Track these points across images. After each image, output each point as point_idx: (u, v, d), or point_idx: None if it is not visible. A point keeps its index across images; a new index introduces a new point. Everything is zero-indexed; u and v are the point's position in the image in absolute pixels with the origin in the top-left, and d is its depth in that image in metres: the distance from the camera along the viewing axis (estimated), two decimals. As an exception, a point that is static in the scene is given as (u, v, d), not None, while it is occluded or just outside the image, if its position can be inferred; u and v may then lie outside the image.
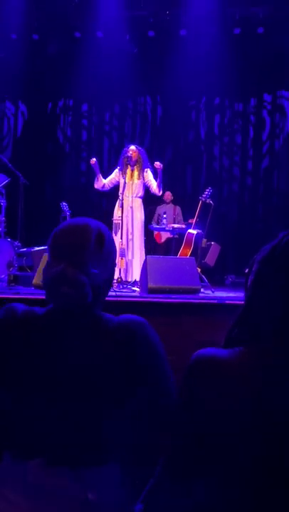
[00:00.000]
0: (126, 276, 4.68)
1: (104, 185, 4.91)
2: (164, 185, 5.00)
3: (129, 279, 4.65)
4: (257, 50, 7.18)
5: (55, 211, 6.04)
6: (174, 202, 7.00)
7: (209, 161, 7.97)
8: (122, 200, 4.62)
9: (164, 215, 5.91)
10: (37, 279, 3.64)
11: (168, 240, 6.50)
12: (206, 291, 4.16)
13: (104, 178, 4.93)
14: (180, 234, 5.64)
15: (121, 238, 4.62)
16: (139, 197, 4.86)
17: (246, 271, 1.03)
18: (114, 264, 1.26)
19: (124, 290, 4.12)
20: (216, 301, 2.92)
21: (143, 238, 4.94)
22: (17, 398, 1.10)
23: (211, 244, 5.32)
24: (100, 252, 1.15)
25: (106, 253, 1.17)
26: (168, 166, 7.99)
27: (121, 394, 1.10)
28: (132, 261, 4.76)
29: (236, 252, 7.47)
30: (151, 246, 6.52)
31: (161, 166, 4.69)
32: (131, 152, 4.80)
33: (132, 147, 4.87)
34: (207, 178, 7.85)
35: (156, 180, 4.80)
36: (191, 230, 5.13)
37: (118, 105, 8.04)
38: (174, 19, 6.99)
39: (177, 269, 3.68)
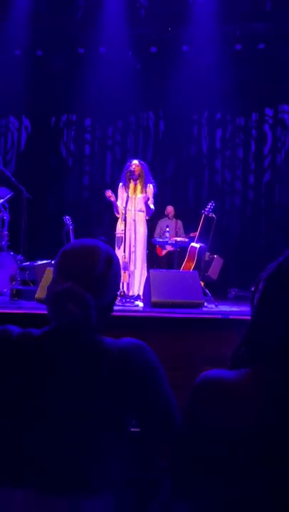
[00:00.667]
0: (128, 290, 4.67)
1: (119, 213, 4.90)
2: (166, 198, 5.02)
3: (131, 293, 4.64)
4: (258, 65, 7.26)
5: (58, 225, 6.05)
6: (176, 216, 7.03)
7: (211, 175, 8.01)
8: (125, 213, 4.63)
9: (167, 229, 5.93)
10: (40, 293, 3.62)
11: (169, 253, 6.50)
12: (210, 305, 4.14)
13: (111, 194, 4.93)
14: (182, 247, 5.65)
15: (124, 252, 4.62)
16: (142, 211, 4.87)
17: (252, 288, 1.02)
18: (118, 288, 1.26)
19: (127, 304, 4.11)
20: (219, 316, 2.90)
21: (145, 251, 4.94)
22: (9, 423, 1.07)
23: (213, 258, 5.32)
24: (107, 274, 1.14)
25: (113, 276, 1.16)
26: (170, 180, 8.05)
27: (119, 420, 1.08)
28: (134, 272, 4.75)
29: (239, 265, 7.46)
30: (152, 259, 6.52)
31: (149, 198, 4.77)
32: (134, 167, 4.83)
33: (135, 162, 4.90)
34: (209, 191, 7.88)
35: (152, 202, 4.81)
36: (194, 244, 5.13)
37: (121, 120, 8.11)
38: (176, 35, 7.10)
39: (180, 283, 3.66)
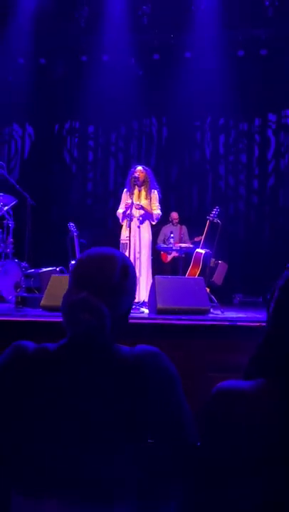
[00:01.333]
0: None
1: (122, 217, 4.89)
2: (170, 204, 5.02)
3: (136, 299, 4.62)
4: (260, 71, 7.28)
5: (62, 232, 6.06)
6: (180, 221, 7.02)
7: (215, 181, 8.01)
8: (130, 220, 4.63)
9: (171, 235, 5.91)
10: (45, 300, 3.61)
11: (174, 259, 6.49)
12: (216, 312, 4.12)
13: (114, 200, 4.94)
14: (187, 253, 5.63)
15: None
16: (146, 217, 4.86)
17: (268, 296, 1.00)
18: (134, 297, 1.25)
19: (132, 311, 4.09)
20: (227, 323, 2.87)
21: (150, 258, 4.92)
22: (31, 437, 1.06)
23: (218, 263, 5.30)
24: (123, 284, 1.14)
25: (129, 285, 1.16)
26: (174, 186, 8.06)
27: (138, 429, 1.07)
28: (138, 279, 4.74)
29: (243, 270, 7.43)
30: (157, 265, 6.51)
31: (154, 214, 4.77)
32: (138, 173, 4.82)
33: (139, 168, 4.90)
34: (213, 197, 7.88)
35: (158, 207, 4.81)
36: (199, 250, 5.11)
37: (124, 126, 8.14)
38: (179, 42, 7.13)
39: (186, 290, 3.64)
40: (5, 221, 5.28)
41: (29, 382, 1.07)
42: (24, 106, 7.48)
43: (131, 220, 4.63)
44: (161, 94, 7.54)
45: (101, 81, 7.29)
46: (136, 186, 4.81)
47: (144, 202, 4.83)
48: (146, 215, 4.81)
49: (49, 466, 1.04)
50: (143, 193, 4.83)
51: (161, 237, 6.74)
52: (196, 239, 6.10)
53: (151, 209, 4.81)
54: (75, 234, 5.52)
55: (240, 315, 3.97)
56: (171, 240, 5.68)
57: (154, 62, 7.39)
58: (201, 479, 0.95)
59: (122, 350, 1.11)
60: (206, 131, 8.04)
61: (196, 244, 5.50)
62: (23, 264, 5.20)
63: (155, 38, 7.12)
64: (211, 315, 3.69)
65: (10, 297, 4.65)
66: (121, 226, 4.91)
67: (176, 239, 6.45)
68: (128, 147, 8.18)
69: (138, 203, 4.73)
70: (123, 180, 5.03)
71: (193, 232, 6.70)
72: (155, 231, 6.14)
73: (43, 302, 3.61)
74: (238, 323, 2.81)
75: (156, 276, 3.86)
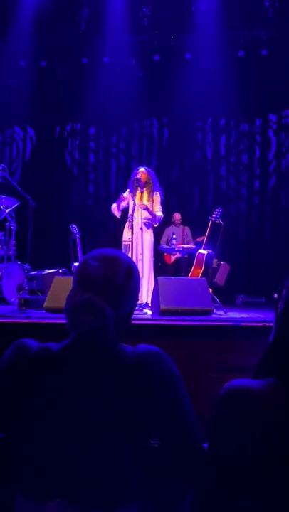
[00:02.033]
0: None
1: (119, 212, 4.91)
2: (172, 205, 5.03)
3: (139, 301, 4.62)
4: (261, 71, 7.29)
5: (64, 233, 6.06)
6: (183, 222, 7.02)
7: (216, 181, 8.01)
8: (132, 221, 4.63)
9: (174, 236, 5.91)
10: (48, 302, 3.61)
11: (177, 260, 6.49)
12: (218, 312, 4.12)
13: (114, 201, 4.95)
14: (189, 254, 5.63)
15: (131, 259, 4.60)
16: (148, 219, 4.87)
17: (275, 296, 1.00)
18: (137, 299, 1.25)
19: (135, 312, 4.09)
20: (231, 323, 2.87)
21: (152, 259, 4.93)
22: (33, 437, 1.06)
23: (220, 264, 5.30)
24: (127, 285, 1.14)
25: (132, 287, 1.16)
26: (175, 187, 8.06)
27: (140, 429, 1.07)
28: (141, 280, 4.74)
29: (245, 271, 7.43)
30: (160, 267, 6.51)
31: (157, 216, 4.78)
32: (140, 174, 4.83)
33: (142, 169, 4.90)
34: (214, 197, 7.88)
35: (160, 209, 4.82)
36: (201, 251, 5.11)
37: (125, 128, 8.15)
38: (179, 43, 7.14)
39: (189, 291, 3.64)
40: (7, 223, 5.28)
41: (31, 382, 1.07)
42: (25, 108, 7.49)
43: (133, 221, 4.63)
44: (162, 96, 7.56)
45: (102, 83, 7.31)
46: (138, 188, 4.81)
47: (146, 204, 4.82)
48: (151, 217, 4.82)
49: (51, 467, 1.04)
50: (145, 194, 4.83)
51: (164, 238, 6.74)
52: (198, 239, 6.10)
53: (154, 211, 4.82)
54: (77, 236, 5.53)
55: (243, 315, 3.96)
56: (174, 241, 5.68)
57: (154, 64, 7.40)
58: (210, 480, 0.95)
59: (125, 350, 1.11)
60: (207, 132, 8.05)
61: (199, 245, 5.50)
62: (26, 266, 5.20)
63: (155, 40, 7.13)
64: (214, 315, 3.69)
65: (13, 299, 4.65)
66: (123, 227, 4.91)
67: (179, 240, 6.45)
68: (129, 148, 8.19)
69: (142, 203, 4.74)
70: (124, 182, 5.04)
71: (195, 233, 6.70)
72: (158, 232, 6.15)
73: (46, 304, 3.62)
74: (242, 324, 2.81)
75: (159, 278, 3.86)
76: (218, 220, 5.08)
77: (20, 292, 4.64)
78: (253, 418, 0.88)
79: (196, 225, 6.98)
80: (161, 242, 6.60)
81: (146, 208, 4.73)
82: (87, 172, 8.26)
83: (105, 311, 1.06)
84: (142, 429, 1.07)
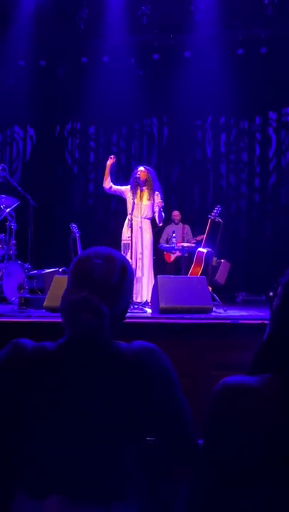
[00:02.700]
0: (136, 296, 4.66)
1: (111, 187, 4.97)
2: (172, 203, 5.05)
3: (139, 299, 4.64)
4: (260, 69, 7.29)
5: (64, 233, 6.07)
6: (182, 221, 7.02)
7: (216, 179, 8.01)
8: (131, 220, 4.64)
9: (173, 234, 5.92)
10: (48, 301, 3.62)
11: (177, 258, 6.49)
12: (218, 310, 4.13)
13: (116, 201, 4.98)
14: (190, 252, 5.63)
15: (131, 258, 4.62)
16: (148, 218, 4.88)
17: (271, 294, 1.01)
18: (131, 297, 1.26)
19: (135, 311, 4.10)
20: (229, 321, 2.88)
21: (152, 258, 4.93)
22: (30, 436, 1.07)
23: (221, 262, 5.30)
24: (121, 283, 1.15)
25: (127, 285, 1.17)
26: (175, 185, 8.06)
27: (136, 426, 1.07)
28: (141, 279, 4.75)
29: (246, 269, 7.43)
30: (160, 265, 6.51)
31: (162, 204, 4.80)
32: (139, 173, 4.84)
33: (141, 168, 4.91)
34: (214, 196, 7.88)
35: (160, 211, 4.86)
36: (201, 249, 5.12)
37: (125, 127, 8.15)
38: (178, 42, 7.14)
39: (188, 289, 3.65)
40: (7, 223, 5.30)
41: (28, 381, 1.07)
42: (25, 108, 7.50)
43: (132, 219, 4.64)
44: (161, 94, 7.56)
45: (101, 82, 7.31)
46: (138, 186, 4.82)
47: (146, 203, 4.84)
48: (151, 216, 4.84)
49: (48, 466, 1.05)
50: (146, 193, 4.84)
51: (164, 237, 6.75)
52: (198, 238, 6.11)
53: (154, 211, 4.85)
54: (77, 235, 5.53)
55: (243, 313, 3.97)
56: (174, 240, 5.69)
57: (154, 62, 7.41)
58: (205, 477, 0.96)
59: (121, 348, 1.12)
60: (207, 130, 8.05)
61: (198, 243, 5.50)
62: (26, 265, 5.22)
63: (155, 38, 7.13)
64: (213, 313, 3.70)
65: (13, 298, 4.67)
66: (122, 226, 4.92)
67: (179, 238, 6.46)
68: (129, 147, 8.19)
69: (160, 201, 4.79)
70: (125, 181, 5.05)
71: (195, 231, 6.71)
72: (157, 231, 6.16)
73: (46, 303, 3.63)
74: (240, 322, 2.81)
75: (158, 276, 3.87)
76: (217, 219, 5.08)
77: (21, 291, 4.66)
78: (248, 414, 0.89)
79: (196, 223, 6.98)
80: (161, 241, 6.61)
81: (160, 210, 4.77)
82: (87, 171, 8.27)
83: (102, 309, 1.07)
84: (138, 425, 1.07)
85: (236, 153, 8.01)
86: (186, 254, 5.79)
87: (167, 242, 6.40)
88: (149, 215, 4.87)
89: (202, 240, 5.34)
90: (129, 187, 4.90)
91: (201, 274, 4.83)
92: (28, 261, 5.48)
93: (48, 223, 7.38)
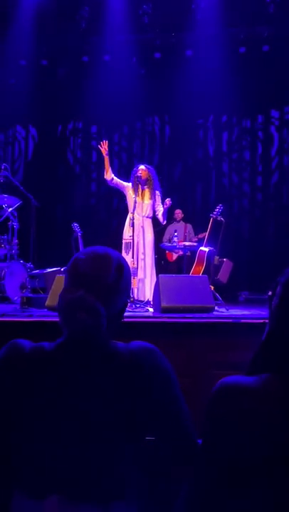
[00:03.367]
0: (138, 296, 4.66)
1: (112, 178, 4.94)
2: (174, 202, 5.06)
3: (142, 298, 4.63)
4: (262, 67, 7.26)
5: (66, 232, 6.08)
6: (185, 220, 7.01)
7: (218, 178, 8.00)
8: (133, 219, 4.64)
9: (175, 233, 5.91)
10: (50, 300, 3.63)
11: (179, 257, 6.49)
12: (220, 309, 4.12)
13: (118, 200, 4.98)
14: (192, 251, 5.63)
15: (132, 257, 4.62)
16: (149, 217, 4.88)
17: (270, 293, 1.01)
18: (129, 296, 1.26)
19: (137, 310, 4.10)
20: (231, 320, 2.88)
21: (154, 257, 4.93)
22: (29, 436, 1.07)
23: (223, 261, 5.29)
24: (118, 282, 1.14)
25: (123, 284, 1.16)
26: (177, 184, 8.05)
27: (135, 426, 1.07)
28: (143, 280, 4.75)
29: (248, 268, 7.42)
30: (162, 264, 6.51)
31: (170, 203, 4.80)
32: (140, 172, 4.83)
33: (142, 167, 4.91)
34: (217, 194, 7.87)
35: (163, 207, 4.84)
36: (202, 248, 5.11)
37: (127, 126, 8.15)
38: (180, 40, 7.13)
39: (190, 288, 3.65)
40: (9, 222, 5.31)
41: (26, 381, 1.07)
42: (27, 107, 7.51)
43: (133, 218, 4.64)
44: (163, 93, 7.54)
45: (103, 81, 7.31)
46: (139, 185, 4.81)
47: (148, 202, 4.83)
48: (165, 211, 4.85)
49: (48, 465, 1.05)
50: (147, 192, 4.84)
51: (166, 236, 6.74)
52: (200, 235, 6.10)
53: (157, 211, 4.86)
54: (79, 234, 5.54)
55: (245, 312, 3.96)
56: (175, 239, 5.68)
57: (155, 61, 7.40)
58: (203, 476, 0.96)
59: (118, 347, 1.11)
60: (209, 129, 8.03)
61: (200, 242, 5.49)
62: (28, 265, 5.22)
63: (156, 37, 7.12)
64: (215, 313, 3.69)
65: (15, 298, 4.68)
66: (124, 225, 4.92)
67: (181, 237, 6.45)
68: (131, 146, 8.19)
69: (169, 199, 4.81)
70: (126, 180, 5.04)
71: (198, 230, 6.70)
72: (160, 230, 6.15)
73: (47, 302, 3.64)
74: (242, 321, 2.81)
75: (160, 275, 3.87)
76: (219, 217, 5.07)
77: (23, 291, 4.66)
78: (246, 414, 0.88)
79: (198, 222, 6.97)
80: (164, 240, 6.60)
81: (166, 208, 4.78)
82: (89, 170, 8.27)
83: (98, 309, 1.07)
84: (137, 425, 1.07)
85: (238, 151, 7.99)
86: (188, 253, 5.78)
87: (169, 241, 6.39)
88: (151, 214, 4.87)
89: (204, 237, 5.33)
90: (130, 184, 4.90)
91: (203, 273, 4.83)
92: (30, 260, 5.48)
93: (50, 223, 7.39)
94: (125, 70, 7.32)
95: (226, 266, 5.43)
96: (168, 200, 4.80)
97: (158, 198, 4.86)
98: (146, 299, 4.59)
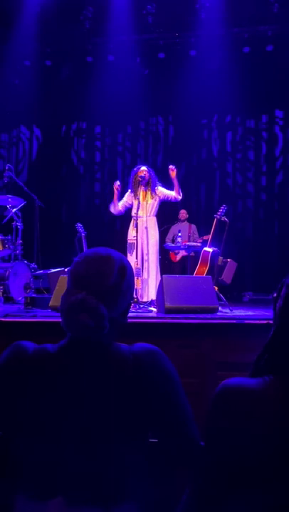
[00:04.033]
0: (142, 296, 4.66)
1: (120, 210, 4.95)
2: (178, 203, 5.06)
3: (145, 299, 4.63)
4: (267, 67, 7.24)
5: (70, 232, 6.08)
6: (189, 220, 7.01)
7: (222, 178, 7.99)
8: (137, 220, 4.64)
9: (179, 234, 5.91)
10: (54, 301, 3.63)
11: (183, 258, 6.48)
12: (224, 310, 4.11)
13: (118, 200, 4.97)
14: (195, 252, 5.61)
15: (136, 258, 4.62)
16: (154, 215, 4.88)
17: (274, 294, 1.00)
18: (132, 297, 1.25)
19: (140, 310, 4.10)
20: (235, 321, 2.87)
21: (158, 257, 4.93)
22: (32, 438, 1.07)
23: (227, 262, 5.27)
24: (120, 284, 1.14)
25: (126, 286, 1.16)
26: (181, 185, 8.01)
27: (137, 429, 1.07)
28: (147, 280, 4.75)
29: (252, 268, 7.40)
30: (166, 265, 6.50)
31: (175, 169, 4.75)
32: (144, 172, 4.84)
33: (144, 168, 4.91)
34: (221, 195, 7.86)
35: (171, 189, 4.83)
36: (206, 248, 5.09)
37: (130, 126, 8.15)
38: (184, 40, 7.12)
39: (194, 289, 3.63)
40: (14, 223, 5.32)
41: (29, 383, 1.07)
42: (31, 108, 7.54)
43: (137, 219, 4.64)
44: (167, 93, 7.54)
45: (107, 81, 7.32)
46: (141, 186, 4.82)
47: (150, 201, 4.83)
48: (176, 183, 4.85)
49: (50, 467, 1.05)
50: (149, 193, 4.84)
51: (170, 236, 6.74)
52: (205, 237, 6.08)
53: (169, 195, 4.85)
54: (82, 234, 5.54)
55: (249, 313, 3.95)
56: (179, 239, 5.67)
57: (159, 61, 7.40)
58: (206, 479, 0.95)
59: (121, 349, 1.11)
60: (213, 129, 8.02)
61: (204, 243, 5.48)
62: (32, 265, 5.23)
63: (160, 37, 7.12)
64: (219, 313, 3.68)
65: (19, 298, 4.69)
66: (128, 226, 4.92)
67: (185, 237, 6.44)
68: (135, 147, 8.19)
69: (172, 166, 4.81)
70: (124, 192, 5.04)
71: (202, 230, 6.69)
72: (163, 230, 6.15)
73: (51, 303, 3.64)
74: (246, 322, 2.80)
75: (163, 276, 3.86)
76: (223, 218, 5.05)
77: (27, 291, 4.67)
78: (248, 417, 0.88)
79: (202, 222, 6.96)
80: (167, 240, 6.60)
81: (175, 178, 4.78)
82: (93, 171, 8.28)
83: (100, 311, 1.07)
84: (139, 427, 1.07)
85: (242, 151, 7.97)
86: (191, 254, 5.77)
87: (173, 241, 6.38)
88: (155, 212, 4.88)
89: (208, 239, 5.32)
90: (129, 191, 4.90)
91: (206, 274, 4.82)
92: (34, 261, 5.50)
93: (54, 223, 7.40)
94: (129, 70, 7.32)
95: (230, 266, 5.41)
96: (171, 168, 4.74)
97: (161, 189, 4.88)
98: (149, 300, 4.59)
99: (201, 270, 4.93)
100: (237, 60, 7.07)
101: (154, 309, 4.17)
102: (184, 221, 6.93)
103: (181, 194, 4.94)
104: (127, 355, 1.09)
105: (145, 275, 4.73)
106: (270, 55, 7.14)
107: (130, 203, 4.92)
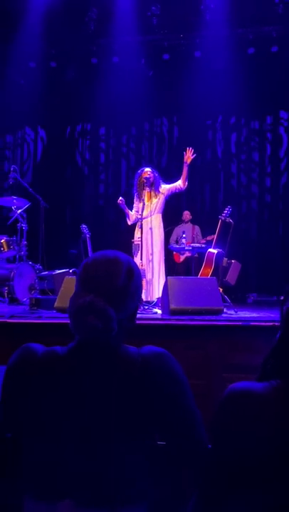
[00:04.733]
0: (146, 297, 4.66)
1: (135, 219, 4.95)
2: (182, 204, 5.05)
3: (150, 299, 4.63)
4: (271, 68, 7.23)
5: (75, 233, 6.10)
6: (193, 221, 7.00)
7: (227, 179, 7.98)
8: (141, 220, 4.65)
9: (183, 235, 5.90)
10: (59, 302, 3.63)
11: (187, 259, 6.47)
12: (229, 311, 4.10)
13: (126, 201, 4.98)
14: (200, 253, 5.61)
15: (141, 259, 4.62)
16: (158, 212, 4.89)
17: (282, 298, 1.00)
18: (140, 300, 1.26)
19: (145, 312, 4.10)
20: (240, 323, 2.86)
21: (163, 258, 4.93)
22: (42, 440, 1.07)
23: (231, 263, 5.26)
24: (128, 286, 1.14)
25: (134, 288, 1.16)
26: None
27: (146, 431, 1.07)
28: (152, 281, 4.75)
29: (257, 269, 7.39)
30: (170, 266, 6.50)
31: (192, 155, 4.83)
32: (149, 174, 4.86)
33: (148, 169, 4.94)
34: (225, 196, 7.85)
35: (176, 181, 4.86)
36: (211, 250, 5.09)
37: (135, 127, 8.16)
38: (189, 42, 7.12)
39: (199, 290, 3.63)
40: (18, 224, 5.33)
41: (38, 385, 1.08)
42: (36, 109, 7.55)
43: (142, 220, 4.65)
44: (171, 94, 7.54)
45: (112, 83, 7.33)
46: (145, 187, 4.84)
47: (155, 201, 4.85)
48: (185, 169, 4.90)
49: (59, 468, 1.05)
50: (153, 193, 4.86)
51: (174, 237, 6.73)
52: (209, 238, 6.08)
53: (174, 187, 4.88)
54: (87, 235, 5.54)
55: (254, 314, 3.94)
56: (183, 240, 5.67)
57: (164, 63, 7.40)
58: (211, 482, 0.95)
59: (130, 352, 1.11)
60: (218, 130, 8.01)
61: (209, 244, 5.48)
62: (37, 266, 5.24)
63: (165, 39, 7.13)
64: (224, 315, 3.67)
65: (24, 299, 4.70)
66: (134, 228, 4.93)
67: (189, 239, 6.43)
68: (139, 148, 8.19)
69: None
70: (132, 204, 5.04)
71: (206, 231, 6.68)
72: (167, 231, 6.14)
73: (56, 304, 3.64)
74: (252, 323, 2.79)
75: (168, 277, 3.86)
76: (227, 219, 5.05)
77: (32, 292, 4.68)
78: (255, 421, 0.88)
79: (207, 223, 6.95)
80: (171, 241, 6.60)
81: (186, 163, 4.86)
82: (97, 172, 8.29)
83: (108, 313, 1.07)
84: (147, 430, 1.07)
85: (247, 153, 7.96)
86: (196, 255, 5.76)
87: (177, 242, 6.38)
88: (159, 210, 4.88)
89: (212, 240, 5.31)
90: (136, 198, 4.93)
91: (211, 275, 4.81)
92: (39, 262, 5.51)
93: (58, 224, 7.41)
94: (134, 71, 7.33)
95: (235, 268, 5.40)
96: (190, 150, 4.81)
97: (165, 186, 4.90)
98: (154, 300, 4.59)
99: (206, 271, 4.93)
100: (242, 61, 7.07)
101: (159, 310, 4.17)
102: (187, 222, 6.93)
103: (186, 184, 4.94)
104: (136, 357, 1.09)
105: (149, 275, 4.73)
106: (274, 56, 7.13)
107: (136, 206, 4.94)
